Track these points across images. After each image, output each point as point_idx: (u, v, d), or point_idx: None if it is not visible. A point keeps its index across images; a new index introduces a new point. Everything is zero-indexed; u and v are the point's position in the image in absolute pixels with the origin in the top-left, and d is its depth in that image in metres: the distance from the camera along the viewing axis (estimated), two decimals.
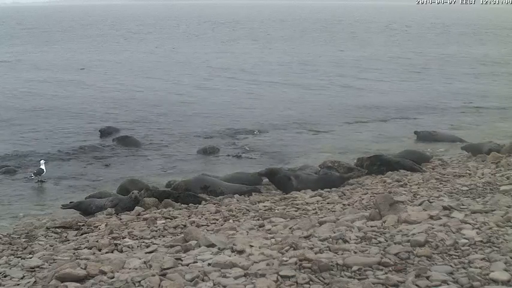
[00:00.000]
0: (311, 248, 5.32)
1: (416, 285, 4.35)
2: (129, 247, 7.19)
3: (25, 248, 7.93)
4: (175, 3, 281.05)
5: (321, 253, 5.18)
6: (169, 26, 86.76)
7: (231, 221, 8.56)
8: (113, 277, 5.24)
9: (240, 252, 5.58)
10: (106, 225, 8.95)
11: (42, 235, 8.86)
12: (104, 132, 18.17)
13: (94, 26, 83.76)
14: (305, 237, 5.97)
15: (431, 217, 6.12)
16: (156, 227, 8.46)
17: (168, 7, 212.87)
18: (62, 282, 5.28)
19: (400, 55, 43.67)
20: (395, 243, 5.32)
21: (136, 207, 10.18)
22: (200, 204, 10.44)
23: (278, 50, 47.07)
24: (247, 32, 71.56)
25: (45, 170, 13.52)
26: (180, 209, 9.98)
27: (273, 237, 6.27)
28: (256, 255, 5.37)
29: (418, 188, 9.67)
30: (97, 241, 7.65)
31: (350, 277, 4.61)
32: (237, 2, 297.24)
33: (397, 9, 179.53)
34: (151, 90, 27.02)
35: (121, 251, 7.06)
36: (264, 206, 9.59)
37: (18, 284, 5.67)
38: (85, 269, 5.53)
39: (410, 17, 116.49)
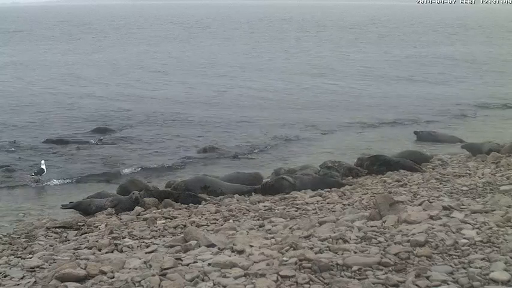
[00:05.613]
0: (311, 248, 5.32)
1: (416, 285, 4.35)
2: (129, 247, 7.19)
3: (25, 248, 7.94)
4: (175, 3, 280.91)
5: (321, 253, 5.18)
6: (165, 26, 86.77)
7: (231, 221, 8.55)
8: (113, 277, 5.25)
9: (240, 252, 5.58)
10: (106, 225, 8.95)
11: (42, 235, 8.85)
12: (100, 131, 18.19)
13: (79, 27, 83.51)
14: (305, 237, 5.97)
15: (431, 217, 6.12)
16: (156, 227, 8.46)
17: (168, 7, 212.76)
18: (62, 282, 5.29)
19: (397, 55, 43.69)
20: (395, 243, 5.32)
21: (136, 207, 10.19)
22: (200, 204, 10.44)
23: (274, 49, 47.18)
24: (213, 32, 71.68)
25: (45, 170, 13.52)
26: (180, 209, 9.98)
27: (273, 237, 6.27)
28: (256, 255, 5.37)
29: (418, 188, 9.65)
30: (97, 241, 7.64)
31: (350, 277, 4.61)
32: (230, 2, 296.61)
33: (396, 9, 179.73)
34: (149, 90, 27.02)
35: (121, 251, 7.06)
36: (264, 206, 9.58)
37: (18, 284, 5.67)
38: (85, 269, 5.54)
39: (412, 16, 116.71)
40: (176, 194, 10.92)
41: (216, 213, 9.29)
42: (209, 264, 5.19)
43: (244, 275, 4.81)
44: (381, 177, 11.81)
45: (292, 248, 5.39)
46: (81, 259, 6.28)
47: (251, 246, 5.77)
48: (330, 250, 5.26)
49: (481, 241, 5.15)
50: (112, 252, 7.03)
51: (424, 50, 47.61)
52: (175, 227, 8.36)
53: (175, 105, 23.48)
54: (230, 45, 52.16)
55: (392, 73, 33.66)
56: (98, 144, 17.03)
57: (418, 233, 5.49)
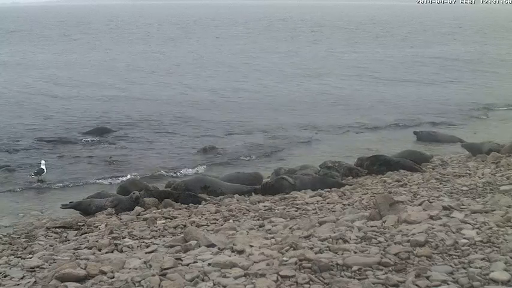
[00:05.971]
0: (311, 248, 5.32)
1: (416, 285, 4.35)
2: (129, 247, 7.19)
3: (25, 248, 7.94)
4: (175, 3, 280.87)
5: (321, 253, 5.18)
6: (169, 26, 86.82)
7: (231, 221, 8.56)
8: (113, 277, 5.25)
9: (240, 252, 5.59)
10: (106, 225, 8.95)
11: (42, 235, 8.86)
12: (100, 132, 18.22)
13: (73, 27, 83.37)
14: (305, 237, 5.97)
15: (431, 217, 6.12)
16: (156, 227, 8.46)
17: (168, 7, 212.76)
18: (62, 282, 5.29)
19: (396, 56, 43.71)
20: (395, 243, 5.32)
21: (136, 207, 10.19)
22: (200, 204, 10.44)
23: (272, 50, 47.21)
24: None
25: (45, 170, 13.52)
26: (180, 209, 9.98)
27: (273, 237, 6.27)
28: (256, 255, 5.37)
29: (418, 188, 9.66)
30: (97, 241, 7.65)
31: (350, 277, 4.61)
32: (230, 2, 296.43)
33: (396, 9, 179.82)
34: (149, 91, 27.01)
35: (121, 251, 7.06)
36: (264, 206, 9.59)
37: (18, 284, 5.67)
38: (85, 269, 5.54)
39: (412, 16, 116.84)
40: (176, 194, 10.92)
41: (216, 213, 9.29)
42: (209, 264, 5.19)
43: (244, 275, 4.81)
44: (381, 177, 11.81)
45: (292, 248, 5.39)
46: (81, 259, 6.28)
47: (251, 246, 5.77)
48: (330, 250, 5.27)
49: (481, 241, 5.16)
50: (112, 252, 7.03)
51: (423, 50, 47.59)
52: (175, 227, 8.36)
53: (175, 105, 23.46)
54: (229, 45, 52.13)
55: (391, 74, 33.64)
56: (97, 144, 17.03)
57: (418, 233, 5.49)
